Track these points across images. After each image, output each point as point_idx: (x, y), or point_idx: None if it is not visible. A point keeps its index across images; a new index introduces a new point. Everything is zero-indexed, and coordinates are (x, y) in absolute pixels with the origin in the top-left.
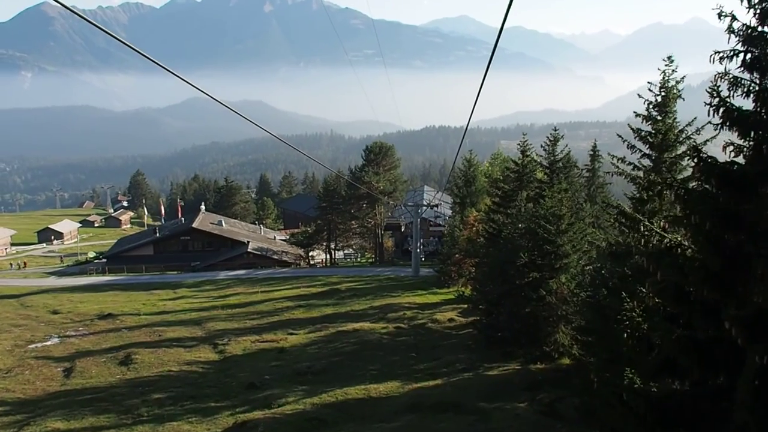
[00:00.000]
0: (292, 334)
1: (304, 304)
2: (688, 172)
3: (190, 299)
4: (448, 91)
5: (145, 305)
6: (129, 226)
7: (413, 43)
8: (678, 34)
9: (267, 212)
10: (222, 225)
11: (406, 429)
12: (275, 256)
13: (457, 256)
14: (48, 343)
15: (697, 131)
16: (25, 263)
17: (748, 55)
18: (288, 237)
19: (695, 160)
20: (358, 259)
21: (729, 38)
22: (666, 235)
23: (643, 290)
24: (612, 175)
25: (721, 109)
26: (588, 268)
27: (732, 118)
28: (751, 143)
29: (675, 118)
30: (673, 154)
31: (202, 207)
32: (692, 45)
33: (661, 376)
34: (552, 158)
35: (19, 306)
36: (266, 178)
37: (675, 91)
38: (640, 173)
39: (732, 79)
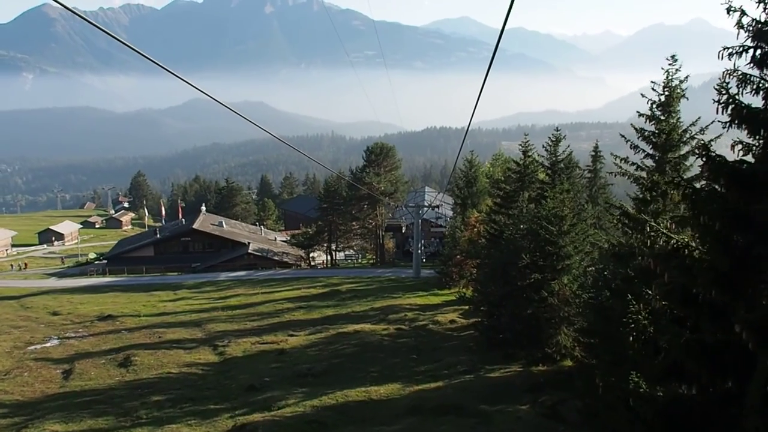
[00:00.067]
0: (292, 335)
1: (304, 306)
2: (692, 172)
3: (190, 300)
4: (449, 92)
5: (146, 306)
6: (130, 227)
7: (414, 44)
8: (679, 35)
9: (268, 213)
10: (223, 226)
11: None
12: (276, 257)
13: (458, 257)
14: (47, 344)
15: (702, 131)
16: (25, 264)
17: (758, 51)
18: (289, 238)
19: (703, 158)
20: (359, 261)
21: (738, 34)
22: (673, 236)
23: (649, 292)
24: (615, 175)
25: (730, 107)
26: (590, 269)
27: (741, 115)
28: (760, 141)
29: (679, 118)
30: (677, 154)
31: (203, 208)
32: (694, 46)
33: (667, 380)
34: (554, 159)
35: (19, 307)
36: (267, 179)
37: (679, 90)
38: (643, 174)
39: (741, 76)
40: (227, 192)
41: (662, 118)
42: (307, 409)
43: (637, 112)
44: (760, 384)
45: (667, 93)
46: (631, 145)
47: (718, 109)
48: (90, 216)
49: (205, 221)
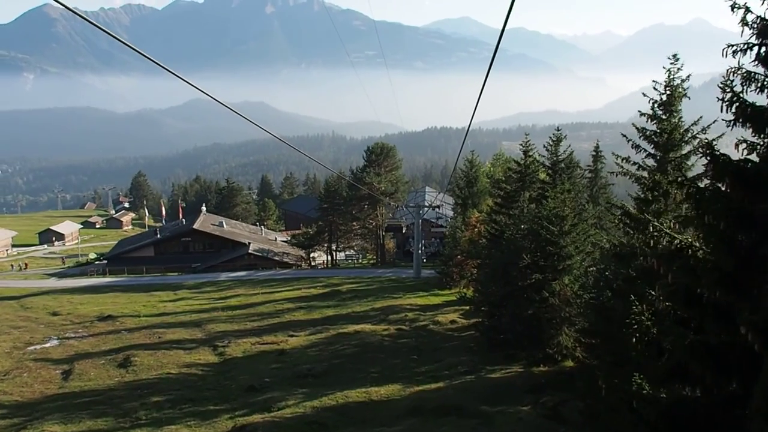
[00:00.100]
0: (292, 336)
1: (304, 306)
2: (694, 172)
3: (190, 301)
4: (449, 93)
5: (146, 307)
6: (130, 227)
7: (415, 45)
8: (680, 35)
9: (268, 213)
10: (223, 226)
11: None
12: (276, 258)
13: (458, 257)
14: (47, 345)
15: (704, 130)
16: (26, 264)
17: (763, 49)
18: (289, 238)
19: (708, 157)
20: (360, 261)
21: (742, 31)
22: (676, 236)
23: (652, 293)
24: (616, 175)
25: (735, 105)
26: (591, 269)
27: (746, 114)
28: (765, 140)
29: (681, 117)
30: (679, 154)
31: (203, 208)
32: (694, 46)
33: (671, 382)
34: (555, 158)
35: (19, 308)
36: (267, 179)
37: (680, 89)
38: (645, 173)
39: (745, 74)
40: (228, 192)
41: (664, 117)
42: (307, 410)
43: (639, 111)
44: (766, 386)
45: (668, 92)
46: (632, 145)
47: (722, 107)
48: (90, 216)
49: (205, 221)
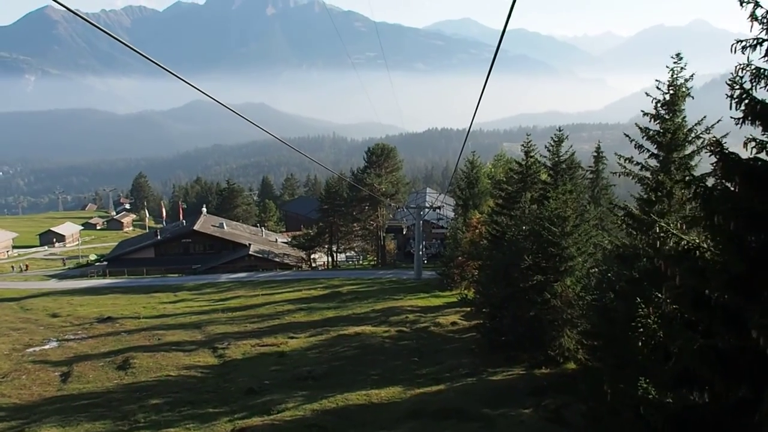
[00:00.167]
0: (292, 337)
1: (305, 307)
2: (697, 172)
3: (190, 302)
4: (450, 94)
5: (145, 308)
6: (131, 228)
7: (416, 46)
8: (680, 36)
9: (269, 214)
10: (223, 227)
11: None
12: (277, 259)
13: (459, 258)
14: (46, 346)
15: (707, 130)
16: (27, 266)
17: None
18: (290, 239)
19: (717, 156)
20: (360, 262)
21: (751, 26)
22: (684, 236)
23: (659, 295)
24: (619, 175)
25: (744, 102)
26: (593, 271)
27: (755, 111)
28: None
29: (684, 117)
30: (682, 154)
31: (204, 209)
32: (695, 47)
33: (678, 387)
34: (556, 159)
35: (19, 309)
36: (268, 180)
37: (684, 89)
38: (648, 174)
39: (755, 71)
40: (228, 193)
41: (667, 117)
42: (307, 413)
43: (642, 111)
44: None
45: (672, 92)
46: (635, 145)
47: (730, 104)
48: (91, 217)
49: (206, 223)
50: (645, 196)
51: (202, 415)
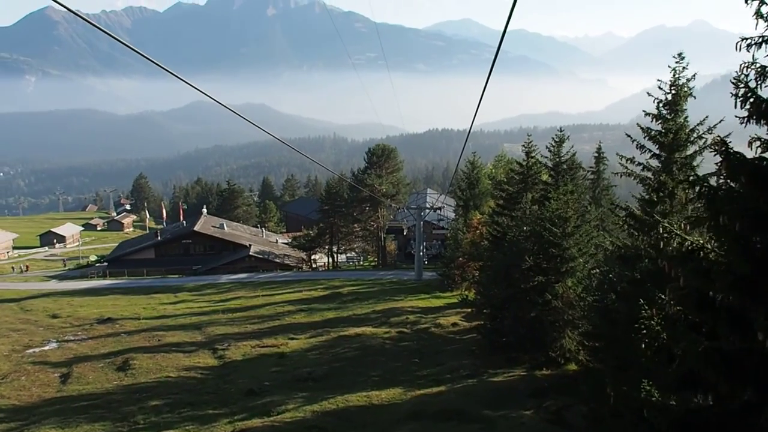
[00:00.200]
0: (293, 338)
1: (305, 308)
2: (700, 172)
3: (190, 303)
4: (451, 94)
5: (146, 309)
6: (131, 229)
7: (416, 47)
8: (681, 37)
9: (269, 215)
10: (224, 228)
11: None
12: (277, 260)
13: (460, 259)
14: (46, 348)
15: (710, 130)
16: (27, 267)
17: None
18: (290, 240)
19: (721, 155)
20: (361, 263)
21: (757, 23)
22: (688, 237)
23: (662, 296)
24: (620, 176)
25: (749, 101)
26: (595, 271)
27: (760, 110)
28: None
29: (686, 117)
30: (684, 154)
31: (204, 210)
32: (696, 47)
33: (682, 389)
34: (557, 160)
35: (19, 310)
36: (269, 181)
37: (686, 89)
38: (649, 174)
39: (760, 69)
40: (229, 194)
41: (669, 117)
42: (308, 414)
43: (643, 111)
44: None
45: (674, 91)
46: (637, 145)
47: (735, 103)
48: (92, 218)
49: (206, 223)
50: (647, 197)
51: (202, 416)
